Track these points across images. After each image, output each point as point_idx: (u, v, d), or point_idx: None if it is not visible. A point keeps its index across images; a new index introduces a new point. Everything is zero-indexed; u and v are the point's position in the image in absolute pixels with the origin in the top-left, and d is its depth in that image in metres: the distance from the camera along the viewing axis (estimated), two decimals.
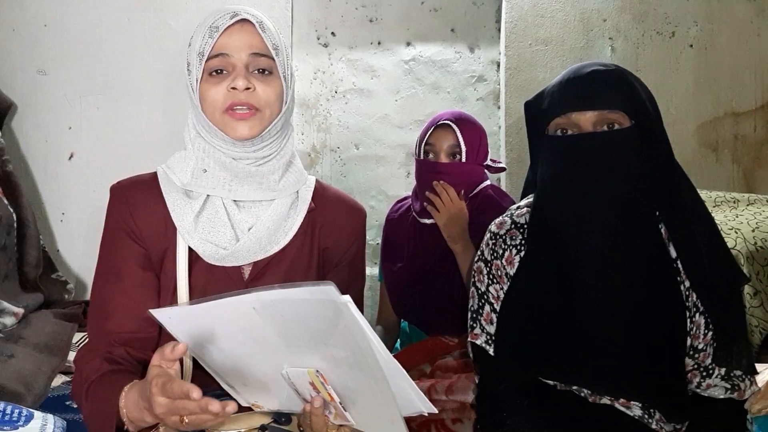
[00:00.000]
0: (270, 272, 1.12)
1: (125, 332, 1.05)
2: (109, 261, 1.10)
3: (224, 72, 1.06)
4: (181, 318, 0.92)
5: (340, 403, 0.94)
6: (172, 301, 1.08)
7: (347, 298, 0.79)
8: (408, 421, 0.96)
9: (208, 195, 1.08)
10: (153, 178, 1.13)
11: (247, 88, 1.04)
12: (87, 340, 1.11)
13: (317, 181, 1.20)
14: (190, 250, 1.08)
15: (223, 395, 1.06)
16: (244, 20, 1.06)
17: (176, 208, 1.07)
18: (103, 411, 0.97)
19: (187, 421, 0.85)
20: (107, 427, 0.96)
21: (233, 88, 1.04)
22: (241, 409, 1.07)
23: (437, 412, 0.96)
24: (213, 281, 1.10)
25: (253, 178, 1.08)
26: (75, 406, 1.23)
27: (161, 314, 0.91)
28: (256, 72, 1.07)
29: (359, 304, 1.27)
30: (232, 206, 1.08)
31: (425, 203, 1.69)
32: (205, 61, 1.05)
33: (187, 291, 1.07)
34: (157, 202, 1.09)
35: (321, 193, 1.19)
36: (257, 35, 1.06)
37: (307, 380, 0.93)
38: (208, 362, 0.99)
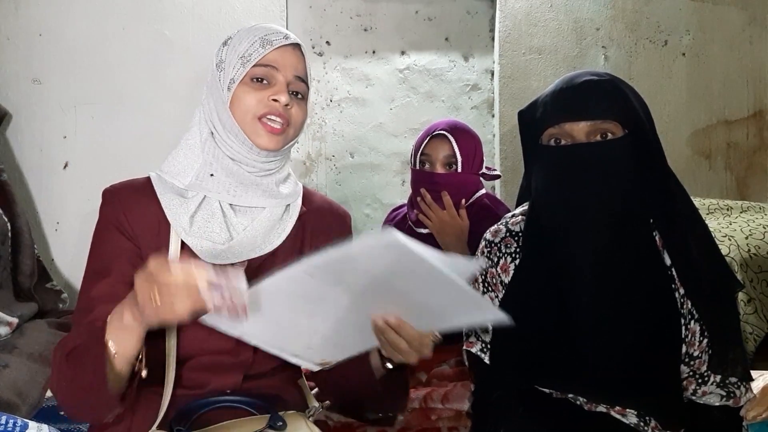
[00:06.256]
0: (264, 271, 1.11)
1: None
2: (98, 258, 1.08)
3: (265, 82, 1.10)
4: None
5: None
6: None
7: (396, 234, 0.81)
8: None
9: (204, 197, 1.09)
10: (146, 181, 1.13)
11: (287, 105, 1.09)
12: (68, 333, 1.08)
13: (304, 187, 1.23)
14: (184, 250, 1.07)
15: (228, 403, 1.06)
16: (295, 44, 1.13)
17: (172, 207, 1.08)
18: (92, 352, 0.93)
19: (158, 297, 0.84)
20: (100, 366, 0.92)
21: (275, 100, 1.09)
22: (237, 416, 1.06)
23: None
24: None
25: (258, 186, 1.11)
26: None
27: (214, 320, 0.93)
28: (293, 94, 1.12)
29: None
30: (228, 209, 1.10)
31: (417, 212, 1.69)
32: (250, 68, 1.09)
33: None
34: (150, 203, 1.09)
35: (309, 199, 1.22)
36: (302, 61, 1.14)
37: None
38: (270, 342, 1.02)
